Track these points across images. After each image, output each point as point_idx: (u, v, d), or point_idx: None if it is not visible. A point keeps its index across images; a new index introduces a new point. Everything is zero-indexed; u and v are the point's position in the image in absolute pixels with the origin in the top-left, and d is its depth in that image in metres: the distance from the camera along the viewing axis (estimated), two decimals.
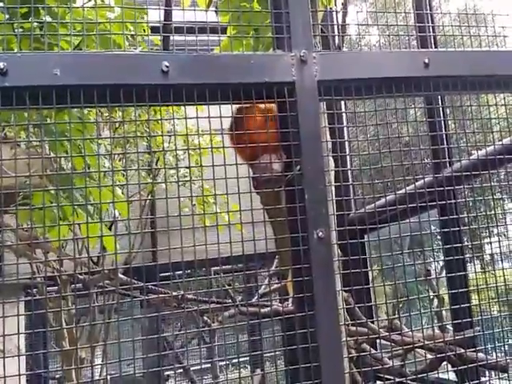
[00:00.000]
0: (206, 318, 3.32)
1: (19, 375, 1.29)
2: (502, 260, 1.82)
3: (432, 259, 2.19)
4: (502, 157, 1.77)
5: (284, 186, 1.46)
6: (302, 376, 1.32)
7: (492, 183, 1.79)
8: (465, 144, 2.11)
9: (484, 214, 1.82)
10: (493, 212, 1.81)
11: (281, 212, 1.55)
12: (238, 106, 1.58)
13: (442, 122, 2.79)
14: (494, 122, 1.83)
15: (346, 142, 3.85)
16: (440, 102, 2.86)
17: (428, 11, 2.66)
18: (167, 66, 1.39)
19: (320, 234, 1.39)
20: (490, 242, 1.99)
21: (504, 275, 1.81)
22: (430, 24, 2.78)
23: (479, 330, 2.69)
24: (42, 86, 1.32)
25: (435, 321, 2.78)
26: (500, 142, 1.82)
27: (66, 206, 2.24)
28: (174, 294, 3.23)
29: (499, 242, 1.85)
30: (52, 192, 2.22)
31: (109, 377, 4.25)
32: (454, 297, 2.78)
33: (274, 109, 1.54)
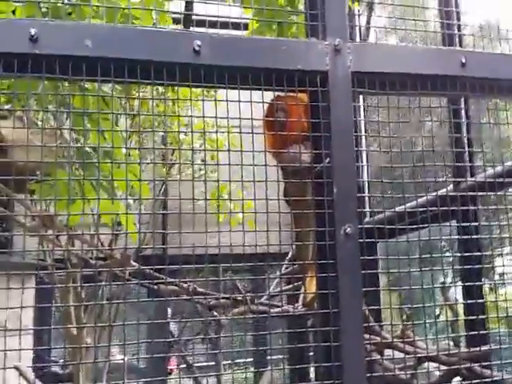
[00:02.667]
0: (215, 313, 3.22)
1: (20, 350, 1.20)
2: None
3: (448, 270, 2.08)
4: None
5: (312, 178, 1.37)
6: (321, 376, 1.23)
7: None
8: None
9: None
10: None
11: (306, 205, 1.46)
12: (276, 94, 1.49)
13: (465, 128, 2.67)
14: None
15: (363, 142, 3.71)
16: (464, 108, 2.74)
17: (455, 14, 2.54)
18: (199, 46, 1.31)
19: (348, 230, 1.29)
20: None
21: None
22: (456, 32, 2.66)
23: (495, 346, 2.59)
24: (73, 56, 1.24)
25: (449, 333, 2.66)
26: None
27: (81, 180, 2.17)
28: (185, 285, 3.14)
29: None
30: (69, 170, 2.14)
31: (112, 362, 4.17)
32: (470, 310, 2.65)
33: (306, 99, 1.45)
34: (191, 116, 1.44)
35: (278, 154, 1.43)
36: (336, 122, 1.38)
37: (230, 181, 1.32)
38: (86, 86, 1.36)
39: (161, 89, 2.19)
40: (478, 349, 2.18)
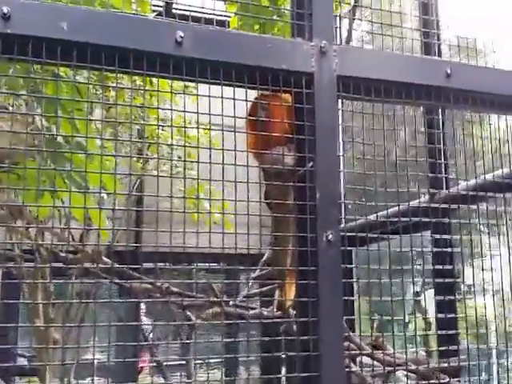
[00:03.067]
0: (188, 313, 3.08)
1: None
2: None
3: (421, 281, 2.00)
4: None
5: (295, 182, 1.27)
6: None
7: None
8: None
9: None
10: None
11: (287, 209, 1.36)
12: (259, 92, 1.39)
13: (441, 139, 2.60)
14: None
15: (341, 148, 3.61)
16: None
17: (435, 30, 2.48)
18: (181, 37, 1.21)
19: (330, 236, 1.21)
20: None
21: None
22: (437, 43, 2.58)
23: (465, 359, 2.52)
24: (47, 38, 1.13)
25: (420, 344, 2.60)
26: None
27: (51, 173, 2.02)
28: (158, 283, 2.99)
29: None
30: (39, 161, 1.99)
31: (80, 361, 3.98)
32: (441, 322, 2.57)
33: (290, 99, 1.36)
34: (171, 109, 1.31)
35: (260, 155, 1.32)
36: (321, 125, 1.29)
37: (210, 179, 1.21)
38: (59, 72, 1.23)
39: (138, 81, 2.06)
40: (447, 363, 2.11)
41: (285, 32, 1.48)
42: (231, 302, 3.21)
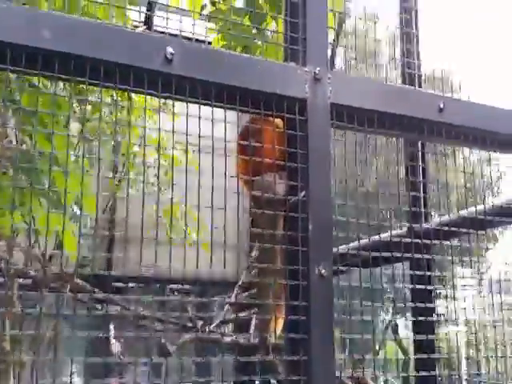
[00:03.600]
0: (162, 340, 2.87)
1: None
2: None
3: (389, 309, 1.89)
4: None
5: (286, 211, 1.14)
6: None
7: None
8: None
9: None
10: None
11: (274, 239, 1.22)
12: (251, 116, 1.27)
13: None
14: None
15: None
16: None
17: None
18: (172, 54, 1.10)
19: (322, 271, 1.07)
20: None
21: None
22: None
23: None
24: (28, 46, 0.98)
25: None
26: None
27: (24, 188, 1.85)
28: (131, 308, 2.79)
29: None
30: (11, 174, 1.81)
31: None
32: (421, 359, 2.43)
33: (281, 125, 1.24)
34: (147, 127, 1.17)
35: (249, 181, 1.19)
36: (314, 153, 1.18)
37: (199, 205, 1.07)
38: (35, 83, 1.09)
39: (115, 96, 1.92)
40: None
41: (266, 55, 1.36)
42: (207, 329, 3.02)
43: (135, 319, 2.74)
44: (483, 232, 1.49)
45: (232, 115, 1.22)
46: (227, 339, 2.34)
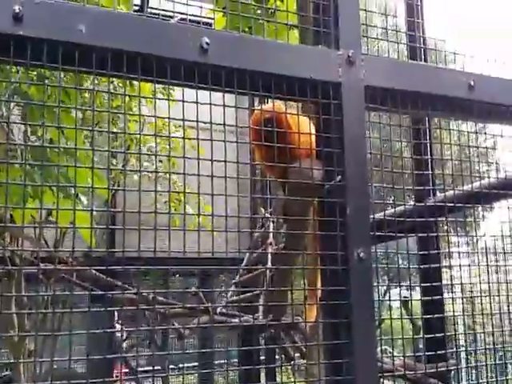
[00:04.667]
0: (176, 323, 3.00)
1: None
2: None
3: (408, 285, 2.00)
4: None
5: (323, 197, 1.22)
6: None
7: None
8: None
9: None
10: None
11: (305, 225, 1.31)
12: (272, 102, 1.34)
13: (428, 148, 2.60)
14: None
15: None
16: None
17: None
18: (207, 43, 1.14)
19: (361, 254, 1.15)
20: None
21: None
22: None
23: (454, 363, 2.54)
24: (64, 42, 1.03)
25: (410, 349, 2.59)
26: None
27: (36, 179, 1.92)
28: (144, 293, 2.89)
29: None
30: (23, 167, 1.90)
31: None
32: (429, 326, 2.60)
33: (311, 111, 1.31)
34: (150, 113, 1.24)
35: (276, 168, 1.26)
36: (349, 137, 1.24)
37: (198, 193, 1.14)
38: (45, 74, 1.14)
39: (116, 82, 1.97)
40: (434, 366, 2.11)
41: (278, 36, 1.41)
42: (218, 310, 3.14)
43: (150, 304, 2.86)
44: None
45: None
46: (236, 320, 2.46)
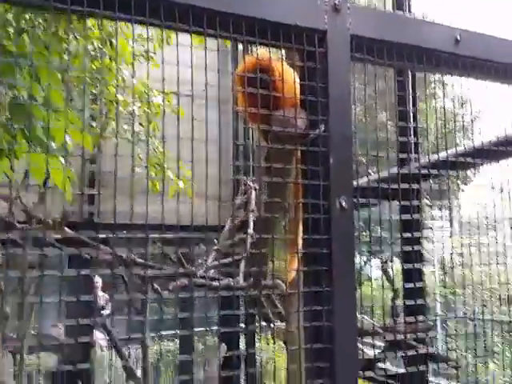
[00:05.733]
0: (155, 286, 2.99)
1: None
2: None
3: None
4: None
5: (307, 146, 1.21)
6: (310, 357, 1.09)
7: None
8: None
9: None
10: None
11: (288, 175, 1.31)
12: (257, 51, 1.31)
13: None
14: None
15: None
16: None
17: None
18: None
19: (343, 203, 1.15)
20: None
21: None
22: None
23: (432, 324, 2.61)
24: None
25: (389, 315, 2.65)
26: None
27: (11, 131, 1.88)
28: (123, 254, 2.87)
29: None
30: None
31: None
32: (409, 289, 2.65)
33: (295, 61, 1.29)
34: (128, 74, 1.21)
35: (264, 117, 1.24)
36: (334, 86, 1.22)
37: (178, 160, 1.12)
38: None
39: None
40: (413, 328, 2.16)
41: None
42: (199, 273, 3.15)
43: (128, 266, 2.86)
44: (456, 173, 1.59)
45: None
46: (217, 283, 2.49)
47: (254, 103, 1.23)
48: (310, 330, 1.10)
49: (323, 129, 1.20)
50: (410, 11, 2.23)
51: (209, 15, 1.14)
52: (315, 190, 1.18)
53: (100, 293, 6.89)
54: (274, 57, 1.36)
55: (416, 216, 1.73)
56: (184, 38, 1.17)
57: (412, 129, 2.84)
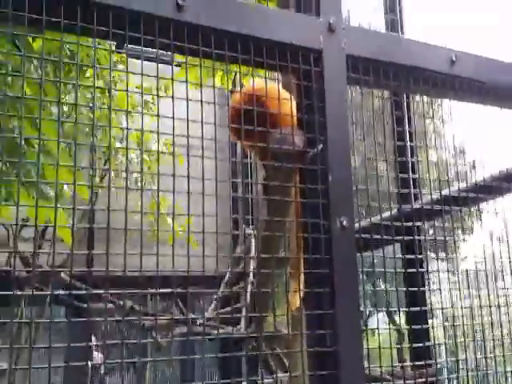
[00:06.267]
0: (153, 334, 2.90)
1: None
2: None
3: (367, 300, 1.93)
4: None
5: (304, 165, 1.18)
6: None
7: None
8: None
9: None
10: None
11: (287, 194, 1.26)
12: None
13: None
14: None
15: None
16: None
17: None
18: (183, 0, 1.10)
19: (344, 222, 1.10)
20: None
21: None
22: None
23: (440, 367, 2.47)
24: None
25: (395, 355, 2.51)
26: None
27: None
28: (120, 302, 2.79)
29: None
30: None
31: None
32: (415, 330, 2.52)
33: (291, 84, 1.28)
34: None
35: (262, 137, 1.20)
36: (331, 105, 1.20)
37: (173, 213, 1.06)
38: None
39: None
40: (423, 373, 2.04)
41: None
42: (198, 322, 3.04)
43: (127, 314, 2.76)
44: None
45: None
46: (216, 331, 2.40)
47: (249, 130, 1.20)
48: (314, 355, 1.02)
49: (321, 147, 1.17)
50: (402, 32, 2.27)
51: (204, 33, 1.13)
52: (315, 208, 1.13)
53: (95, 353, 6.66)
54: (267, 82, 1.34)
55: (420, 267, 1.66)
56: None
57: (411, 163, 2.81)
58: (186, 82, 1.14)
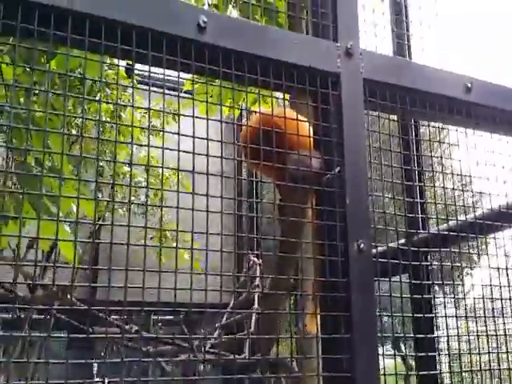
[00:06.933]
0: (158, 359, 2.85)
1: None
2: None
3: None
4: None
5: (322, 187, 1.17)
6: None
7: None
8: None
9: None
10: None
11: (302, 216, 1.25)
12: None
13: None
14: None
15: None
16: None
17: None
18: (205, 22, 1.12)
19: (361, 245, 1.09)
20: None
21: None
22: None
23: None
24: (56, 7, 1.00)
25: None
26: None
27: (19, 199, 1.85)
28: (126, 326, 2.76)
29: None
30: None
31: None
32: (422, 363, 2.47)
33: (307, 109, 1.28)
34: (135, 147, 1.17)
35: (280, 156, 1.19)
36: (349, 128, 1.20)
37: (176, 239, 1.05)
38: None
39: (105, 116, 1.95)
40: None
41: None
42: (202, 349, 2.99)
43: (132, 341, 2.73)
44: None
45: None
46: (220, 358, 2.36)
47: (267, 155, 1.19)
48: (329, 380, 0.99)
49: (338, 170, 1.16)
50: (410, 57, 2.29)
51: (224, 55, 1.14)
52: (332, 231, 1.12)
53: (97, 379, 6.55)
54: (281, 108, 1.33)
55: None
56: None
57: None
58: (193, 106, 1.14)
